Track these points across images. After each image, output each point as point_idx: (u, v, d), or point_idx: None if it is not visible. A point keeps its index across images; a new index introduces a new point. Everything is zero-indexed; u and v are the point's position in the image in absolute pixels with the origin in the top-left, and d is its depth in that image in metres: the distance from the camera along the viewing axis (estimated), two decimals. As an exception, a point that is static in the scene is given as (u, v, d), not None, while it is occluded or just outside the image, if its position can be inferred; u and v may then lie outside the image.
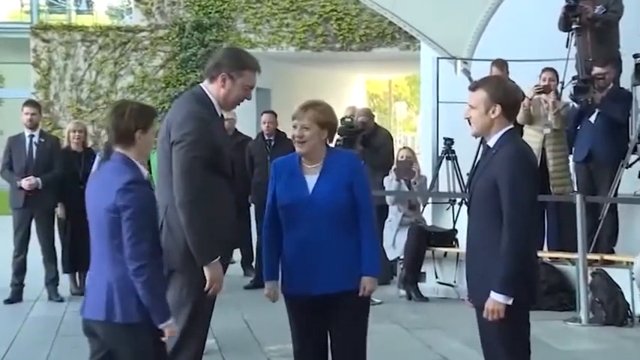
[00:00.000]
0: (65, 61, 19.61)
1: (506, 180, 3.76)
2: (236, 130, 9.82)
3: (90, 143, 10.49)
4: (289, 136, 9.32)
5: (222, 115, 4.39)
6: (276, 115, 9.48)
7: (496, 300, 3.76)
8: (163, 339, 3.68)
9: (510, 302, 3.75)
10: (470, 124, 3.98)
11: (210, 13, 19.53)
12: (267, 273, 4.35)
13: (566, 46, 8.98)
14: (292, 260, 4.21)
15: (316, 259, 4.13)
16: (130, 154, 3.70)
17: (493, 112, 3.87)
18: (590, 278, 7.48)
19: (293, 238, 4.19)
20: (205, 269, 4.13)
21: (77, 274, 8.84)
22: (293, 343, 4.37)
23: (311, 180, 4.19)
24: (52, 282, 8.59)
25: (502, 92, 3.90)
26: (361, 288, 4.18)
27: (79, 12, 21.83)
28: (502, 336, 3.85)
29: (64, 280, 8.81)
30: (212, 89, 4.25)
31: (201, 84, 4.35)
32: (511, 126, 3.94)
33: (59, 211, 8.66)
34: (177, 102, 4.42)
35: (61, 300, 8.51)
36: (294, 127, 4.20)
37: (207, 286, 4.14)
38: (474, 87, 3.95)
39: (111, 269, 3.64)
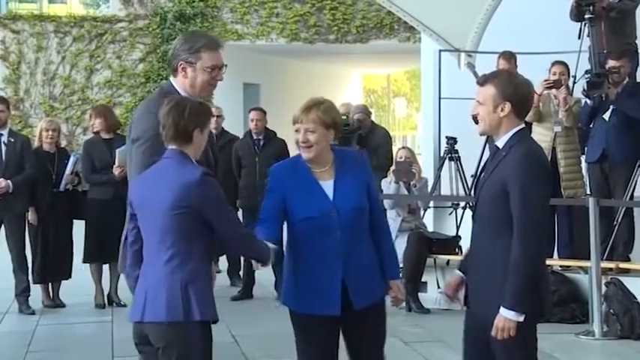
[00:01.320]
0: (36, 54, 19.62)
1: (518, 186, 3.76)
2: (222, 128, 9.84)
3: (63, 143, 10.49)
4: (280, 135, 9.47)
5: None
6: (265, 113, 9.49)
7: (507, 317, 3.75)
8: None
9: (522, 319, 3.75)
10: (476, 122, 3.99)
11: (193, 2, 19.56)
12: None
13: (579, 38, 9.00)
14: (310, 277, 4.10)
15: (343, 272, 4.08)
16: (187, 152, 3.85)
17: (502, 109, 3.87)
18: (604, 288, 7.51)
19: (316, 251, 4.09)
20: None
21: (50, 284, 8.83)
22: (299, 354, 4.32)
23: (326, 185, 4.15)
24: (22, 293, 8.57)
25: (512, 89, 3.90)
26: (394, 293, 4.24)
27: (51, 1, 21.81)
28: (509, 353, 3.86)
29: (37, 291, 8.79)
30: (178, 82, 4.29)
31: (170, 78, 4.40)
32: (522, 125, 3.95)
33: (30, 216, 8.64)
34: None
35: (33, 313, 8.49)
36: (297, 131, 4.15)
37: None
38: (483, 81, 3.95)
39: (173, 268, 3.77)
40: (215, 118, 9.05)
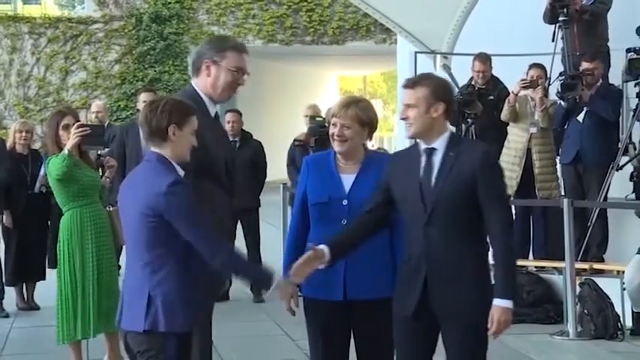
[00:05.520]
0: (11, 55, 19.50)
1: (494, 188, 3.82)
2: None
3: (38, 145, 10.44)
4: (255, 137, 9.45)
5: (216, 114, 4.44)
6: (241, 114, 9.47)
7: (505, 307, 3.77)
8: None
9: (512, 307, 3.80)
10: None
11: (169, 3, 19.52)
12: (285, 270, 4.24)
13: (553, 40, 9.06)
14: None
15: (349, 261, 4.13)
16: (165, 153, 3.75)
17: (436, 110, 3.87)
18: (578, 289, 7.55)
19: (322, 238, 4.15)
20: None
21: (24, 286, 8.78)
22: (311, 352, 4.38)
23: (347, 179, 4.26)
24: (-4, 295, 8.52)
25: (444, 90, 3.94)
26: None
27: (25, 1, 21.68)
28: (481, 345, 3.89)
29: (11, 293, 8.73)
30: (200, 83, 4.32)
31: (192, 81, 4.41)
32: (452, 129, 4.03)
33: (5, 219, 8.59)
34: None
35: (7, 316, 8.43)
36: (334, 124, 4.24)
37: None
38: (413, 83, 3.94)
39: (144, 276, 3.71)
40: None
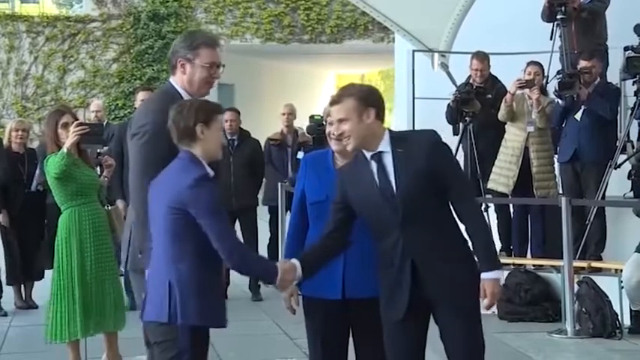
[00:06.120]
0: (9, 54, 19.47)
1: (447, 167, 3.92)
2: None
3: (36, 144, 10.42)
4: (254, 136, 9.46)
5: None
6: (239, 113, 9.48)
7: (494, 278, 3.88)
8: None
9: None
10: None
11: (167, 1, 19.50)
12: None
13: (551, 38, 9.06)
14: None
15: (347, 260, 4.15)
16: (195, 152, 3.85)
17: (368, 116, 3.89)
18: (576, 287, 7.56)
19: (319, 236, 4.18)
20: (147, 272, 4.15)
21: (22, 285, 8.77)
22: (310, 351, 4.39)
23: None
24: (-6, 294, 8.52)
25: (370, 95, 3.95)
26: None
27: (23, 0, 21.66)
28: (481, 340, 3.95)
29: (9, 292, 8.73)
30: (177, 80, 4.35)
31: (170, 78, 4.44)
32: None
33: (2, 218, 8.58)
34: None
35: (5, 314, 8.44)
36: (330, 123, 4.23)
37: None
38: (339, 97, 3.94)
39: (167, 269, 3.80)
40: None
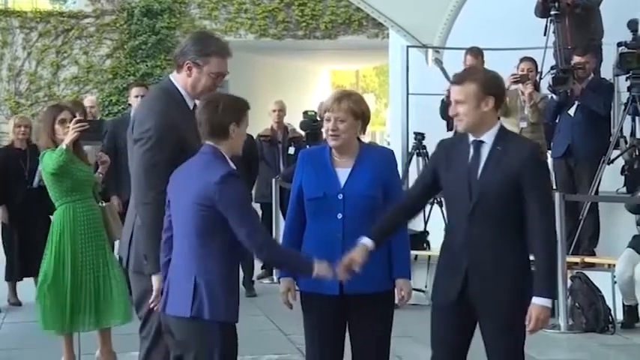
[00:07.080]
0: (1, 49, 19.43)
1: (539, 184, 3.86)
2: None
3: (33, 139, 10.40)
4: (247, 131, 9.44)
5: (194, 107, 4.40)
6: (233, 109, 9.48)
7: (544, 305, 3.83)
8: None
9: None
10: (448, 124, 4.05)
11: (161, -3, 19.46)
12: None
13: (544, 34, 9.09)
14: (315, 255, 4.16)
15: (345, 255, 4.15)
16: (221, 148, 3.89)
17: (486, 104, 3.90)
18: (569, 282, 7.59)
19: (318, 233, 4.24)
20: (153, 278, 4.16)
21: (16, 283, 8.76)
22: (307, 346, 4.40)
23: (342, 173, 4.28)
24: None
25: (492, 83, 3.95)
26: (398, 291, 4.29)
27: (16, -5, 21.62)
28: (517, 341, 3.98)
29: (3, 290, 8.73)
30: (179, 79, 4.32)
31: (169, 74, 4.43)
32: (500, 120, 4.04)
33: (1, 214, 8.57)
34: (145, 96, 4.55)
35: (-1, 311, 8.45)
36: (328, 119, 4.25)
37: (152, 297, 4.16)
38: (461, 80, 3.97)
39: (192, 264, 3.82)
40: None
